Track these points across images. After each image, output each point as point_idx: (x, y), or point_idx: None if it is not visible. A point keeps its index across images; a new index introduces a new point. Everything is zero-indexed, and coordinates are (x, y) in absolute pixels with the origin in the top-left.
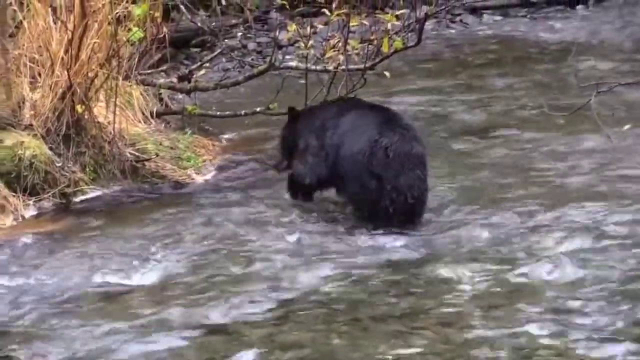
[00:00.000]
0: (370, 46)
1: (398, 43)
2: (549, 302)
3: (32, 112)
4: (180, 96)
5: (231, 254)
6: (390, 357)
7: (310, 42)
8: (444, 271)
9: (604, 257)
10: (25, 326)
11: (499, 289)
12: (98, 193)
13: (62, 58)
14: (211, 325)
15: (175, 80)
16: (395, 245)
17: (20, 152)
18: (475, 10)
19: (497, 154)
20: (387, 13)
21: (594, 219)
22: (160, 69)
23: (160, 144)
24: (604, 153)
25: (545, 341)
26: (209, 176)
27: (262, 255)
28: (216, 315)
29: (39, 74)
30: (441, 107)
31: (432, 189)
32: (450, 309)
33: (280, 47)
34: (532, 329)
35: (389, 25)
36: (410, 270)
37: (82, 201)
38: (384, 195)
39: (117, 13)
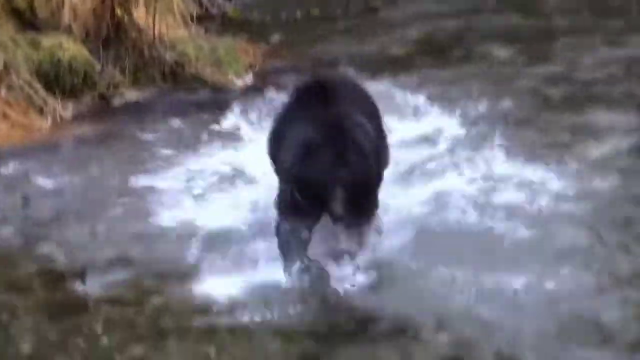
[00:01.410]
0: None
1: None
2: None
3: (72, 15)
4: (220, 0)
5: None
6: None
7: None
8: None
9: None
10: (63, 227)
11: None
12: (137, 96)
13: None
14: (244, 219)
15: None
16: None
17: (59, 53)
18: None
19: None
20: None
21: None
22: None
23: (201, 48)
24: None
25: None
26: (249, 81)
27: None
28: (246, 212)
29: None
30: None
31: None
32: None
33: None
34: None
35: None
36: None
37: (120, 104)
38: None
39: None
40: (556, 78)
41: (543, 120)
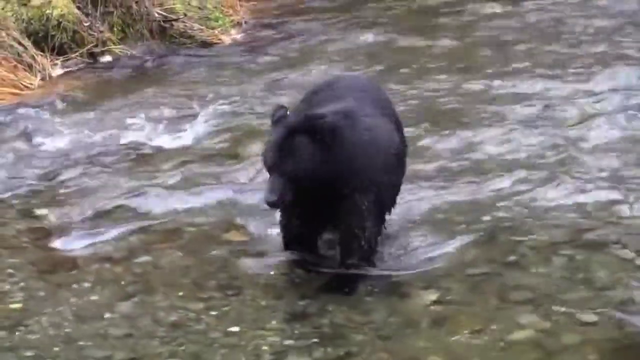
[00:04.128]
0: None
1: None
2: None
3: None
4: None
5: (255, 114)
6: None
7: None
8: None
9: None
10: (54, 185)
11: None
12: (126, 52)
13: None
14: (237, 184)
15: None
16: None
17: (48, 11)
18: None
19: None
20: None
21: None
22: None
23: (188, 4)
24: None
25: None
26: (236, 37)
27: None
28: (242, 176)
29: None
30: None
31: None
32: None
33: None
34: None
35: None
36: None
37: (109, 61)
38: None
39: None
40: None
41: None
